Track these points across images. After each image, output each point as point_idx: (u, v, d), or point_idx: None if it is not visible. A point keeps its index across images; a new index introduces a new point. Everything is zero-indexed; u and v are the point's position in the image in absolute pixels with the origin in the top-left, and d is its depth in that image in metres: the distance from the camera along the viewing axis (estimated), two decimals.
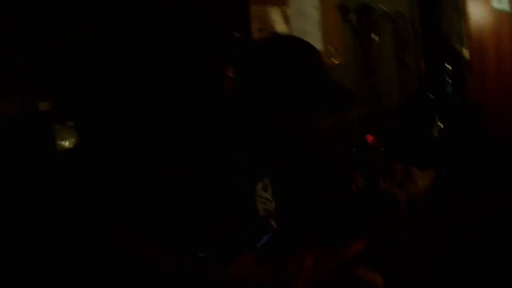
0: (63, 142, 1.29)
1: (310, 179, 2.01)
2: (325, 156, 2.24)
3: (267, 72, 1.01)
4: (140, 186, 0.98)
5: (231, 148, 1.03)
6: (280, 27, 2.25)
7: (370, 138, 2.49)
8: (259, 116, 1.03)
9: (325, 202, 1.98)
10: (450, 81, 3.11)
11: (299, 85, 1.00)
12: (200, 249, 0.94)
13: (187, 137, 1.04)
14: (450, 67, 3.12)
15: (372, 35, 2.63)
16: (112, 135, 1.42)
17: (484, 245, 2.20)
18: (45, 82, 1.32)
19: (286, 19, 2.27)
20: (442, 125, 2.95)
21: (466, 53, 3.22)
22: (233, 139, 1.04)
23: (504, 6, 3.59)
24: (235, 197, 1.01)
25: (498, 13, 3.55)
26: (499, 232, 2.29)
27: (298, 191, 1.75)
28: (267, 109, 1.02)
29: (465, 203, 2.54)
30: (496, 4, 3.51)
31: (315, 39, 2.37)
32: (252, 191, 1.09)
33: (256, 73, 1.03)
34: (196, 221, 0.95)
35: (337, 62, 2.46)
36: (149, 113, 1.48)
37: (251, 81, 1.04)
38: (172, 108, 1.52)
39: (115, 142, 1.40)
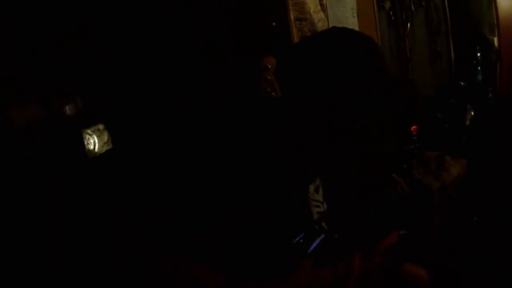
0: (93, 148, 1.13)
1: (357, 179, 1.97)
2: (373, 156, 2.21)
3: (326, 68, 0.91)
4: (183, 195, 0.89)
5: (281, 151, 0.95)
6: (317, 15, 2.25)
7: (414, 129, 2.49)
8: (310, 114, 0.93)
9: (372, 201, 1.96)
10: (480, 69, 3.11)
11: (361, 83, 0.90)
12: (257, 264, 0.87)
13: (234, 142, 0.94)
14: (480, 56, 3.11)
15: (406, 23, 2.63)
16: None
17: None
18: (70, 83, 1.16)
19: (323, 8, 2.27)
20: (473, 113, 2.94)
21: (496, 41, 3.20)
22: (283, 141, 0.95)
23: None
24: (290, 204, 0.95)
25: None
26: None
27: (349, 190, 1.70)
28: (319, 107, 0.92)
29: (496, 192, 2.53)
30: None
31: (351, 27, 2.35)
32: (306, 195, 1.03)
33: (312, 68, 0.92)
34: (250, 235, 0.88)
35: None
36: (190, 115, 1.30)
37: (305, 77, 0.93)
38: (216, 110, 1.37)
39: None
